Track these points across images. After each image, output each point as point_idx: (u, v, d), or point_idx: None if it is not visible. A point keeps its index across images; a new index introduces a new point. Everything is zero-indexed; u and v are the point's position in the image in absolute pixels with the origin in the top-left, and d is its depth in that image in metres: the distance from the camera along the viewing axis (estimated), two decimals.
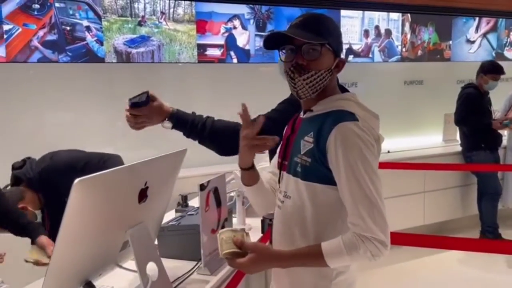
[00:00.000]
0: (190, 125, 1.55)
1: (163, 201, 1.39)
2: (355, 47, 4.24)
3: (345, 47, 4.22)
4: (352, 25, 4.24)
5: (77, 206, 0.95)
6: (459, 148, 4.09)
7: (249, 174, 1.31)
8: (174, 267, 1.53)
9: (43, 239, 1.69)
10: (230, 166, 2.49)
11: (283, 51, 1.18)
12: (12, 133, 3.15)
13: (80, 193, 0.94)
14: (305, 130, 1.18)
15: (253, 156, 1.27)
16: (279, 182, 1.28)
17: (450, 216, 4.14)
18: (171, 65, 3.52)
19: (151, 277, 1.19)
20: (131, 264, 1.21)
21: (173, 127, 1.54)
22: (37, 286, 1.03)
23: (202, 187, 1.49)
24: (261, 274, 2.22)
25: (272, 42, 1.19)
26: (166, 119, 1.52)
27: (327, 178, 1.12)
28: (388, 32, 4.40)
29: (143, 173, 1.19)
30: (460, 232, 4.03)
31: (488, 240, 3.69)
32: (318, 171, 1.13)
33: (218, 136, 1.57)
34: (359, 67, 4.19)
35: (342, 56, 1.22)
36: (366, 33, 4.30)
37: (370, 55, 4.35)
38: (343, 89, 1.25)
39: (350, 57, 4.19)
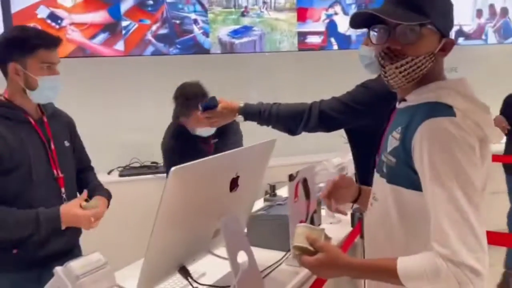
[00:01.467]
0: (259, 115, 1.71)
1: (253, 191, 1.40)
2: (465, 29, 3.89)
3: (455, 28, 3.91)
4: (463, 4, 3.86)
5: (173, 193, 0.98)
6: None
7: (362, 200, 1.27)
8: (263, 256, 1.53)
9: None
10: (319, 156, 2.44)
11: (375, 30, 1.00)
12: (132, 121, 3.45)
13: (176, 181, 0.97)
14: (396, 123, 1.02)
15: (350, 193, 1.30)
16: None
17: None
18: (272, 54, 3.61)
19: (241, 266, 1.20)
20: (222, 251, 1.23)
21: (245, 119, 1.72)
22: (136, 267, 1.09)
23: (291, 177, 1.48)
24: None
25: (360, 21, 1.02)
26: (238, 114, 1.71)
27: (415, 183, 0.94)
28: (505, 11, 3.98)
29: (234, 163, 1.20)
30: None
31: None
32: (404, 174, 0.97)
33: (285, 119, 1.72)
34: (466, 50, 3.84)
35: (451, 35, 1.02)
36: (479, 12, 3.92)
37: (483, 37, 3.96)
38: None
39: (460, 40, 3.87)
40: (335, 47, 3.66)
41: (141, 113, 3.53)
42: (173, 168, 0.96)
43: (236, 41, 3.49)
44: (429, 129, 0.91)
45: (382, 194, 1.04)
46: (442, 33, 1.00)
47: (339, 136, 3.31)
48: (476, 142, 0.91)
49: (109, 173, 3.24)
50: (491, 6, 3.94)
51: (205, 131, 2.33)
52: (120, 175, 3.18)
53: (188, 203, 1.05)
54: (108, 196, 1.75)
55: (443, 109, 0.93)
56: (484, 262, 0.85)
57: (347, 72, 3.66)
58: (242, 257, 1.25)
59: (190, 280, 1.19)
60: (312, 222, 1.62)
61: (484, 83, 3.82)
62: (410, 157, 0.94)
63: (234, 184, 1.21)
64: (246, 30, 3.53)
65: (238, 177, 1.21)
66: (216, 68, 3.40)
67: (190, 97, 2.27)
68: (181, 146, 2.35)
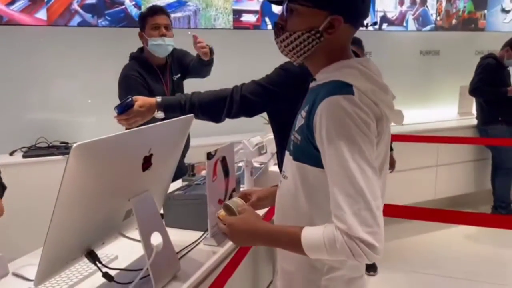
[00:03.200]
0: (179, 107, 1.65)
1: (168, 170, 1.34)
2: (389, 15, 4.09)
3: (379, 14, 4.08)
4: None
5: (75, 171, 0.89)
6: (474, 122, 3.98)
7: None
8: (180, 237, 1.49)
9: None
10: (241, 136, 2.43)
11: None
12: (50, 92, 3.20)
13: (79, 158, 0.88)
14: (306, 102, 1.04)
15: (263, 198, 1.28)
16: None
17: (462, 191, 4.08)
18: (207, 31, 3.53)
19: (155, 247, 1.15)
20: (135, 233, 1.17)
21: (166, 114, 1.64)
22: (36, 255, 0.99)
23: (209, 156, 1.44)
24: (269, 252, 2.19)
25: None
26: (156, 110, 1.63)
27: (318, 160, 0.96)
28: (424, 0, 4.23)
29: (146, 140, 1.13)
30: (472, 207, 3.98)
31: (501, 215, 3.63)
32: (308, 151, 0.99)
33: (208, 108, 1.67)
34: (374, 36, 4.05)
35: (369, 20, 1.03)
36: (401, 0, 4.13)
37: (404, 24, 4.19)
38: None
39: (384, 25, 4.06)
40: (269, 27, 3.66)
41: (50, 89, 3.26)
42: (75, 145, 0.87)
43: (170, 16, 3.41)
44: (327, 106, 0.93)
45: (290, 171, 1.06)
46: (332, 10, 0.97)
47: (260, 117, 3.34)
48: (373, 120, 0.94)
49: (11, 154, 2.95)
50: None
51: (158, 42, 2.36)
52: (24, 156, 2.90)
53: (93, 183, 0.96)
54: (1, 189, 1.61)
55: (343, 87, 0.95)
56: (377, 235, 0.88)
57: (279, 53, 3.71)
58: (156, 238, 1.20)
59: (98, 265, 1.11)
60: None
61: (400, 66, 4.12)
62: (312, 135, 0.96)
63: (147, 162, 1.14)
64: (180, 4, 3.44)
65: (151, 155, 1.14)
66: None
67: (147, 8, 2.47)
68: (139, 73, 2.35)
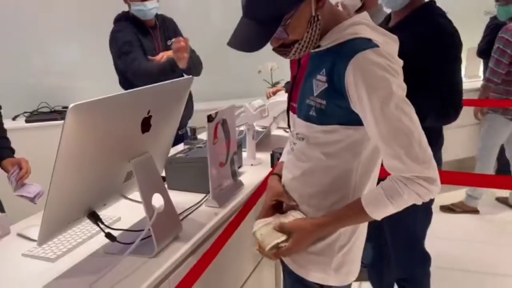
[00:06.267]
0: None
1: (168, 132, 1.33)
2: None
3: None
4: None
5: (73, 132, 0.88)
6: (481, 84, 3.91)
7: None
8: (182, 199, 1.50)
9: None
10: (244, 100, 2.41)
11: None
12: (41, 62, 3.09)
13: (76, 118, 0.87)
14: (316, 67, 1.03)
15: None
16: (288, 125, 1.17)
17: (468, 154, 4.06)
18: None
19: (156, 209, 1.15)
20: (137, 195, 1.17)
21: None
22: (39, 217, 1.00)
23: (210, 118, 1.43)
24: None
25: None
26: None
27: (349, 119, 0.98)
28: None
29: (145, 101, 1.11)
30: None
31: (505, 176, 3.62)
32: (337, 113, 0.99)
33: None
34: None
35: None
36: None
37: None
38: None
39: None
40: None
41: (51, 53, 3.22)
42: (71, 105, 0.86)
43: None
44: (359, 65, 0.92)
45: (312, 137, 1.05)
46: None
47: (263, 81, 3.29)
48: (400, 68, 0.97)
49: (14, 118, 2.96)
50: None
51: (140, 7, 2.30)
52: (27, 121, 2.91)
53: (91, 144, 0.95)
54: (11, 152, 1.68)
55: (365, 43, 0.95)
56: (434, 168, 0.93)
57: None
58: (158, 200, 1.21)
59: (101, 225, 1.13)
60: (232, 164, 1.61)
61: None
62: (344, 97, 0.96)
63: (146, 124, 1.13)
64: None
65: (150, 116, 1.13)
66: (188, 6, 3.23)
67: None
68: (130, 28, 2.31)
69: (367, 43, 0.94)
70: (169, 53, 2.25)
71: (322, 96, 1.00)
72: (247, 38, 0.95)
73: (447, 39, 1.59)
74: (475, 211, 3.44)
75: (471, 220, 3.36)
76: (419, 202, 0.96)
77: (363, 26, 0.99)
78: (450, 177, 1.54)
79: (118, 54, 2.29)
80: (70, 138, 0.89)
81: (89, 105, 0.90)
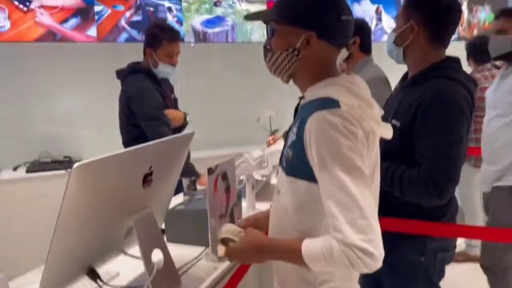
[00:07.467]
0: None
1: (169, 186, 1.34)
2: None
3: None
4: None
5: (76, 191, 0.90)
6: None
7: None
8: (181, 252, 1.49)
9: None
10: (241, 148, 2.44)
11: None
12: (53, 106, 3.22)
13: (80, 178, 0.90)
14: (297, 119, 1.05)
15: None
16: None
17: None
18: (243, 44, 3.76)
19: (156, 265, 1.15)
20: (137, 250, 1.17)
21: None
22: (37, 273, 0.99)
23: (210, 171, 1.44)
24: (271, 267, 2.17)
25: None
26: None
27: (310, 174, 0.98)
28: None
29: (147, 157, 1.14)
30: None
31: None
32: (300, 166, 1.00)
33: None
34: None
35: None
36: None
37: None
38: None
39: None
40: None
41: (52, 102, 3.29)
42: (75, 165, 0.88)
43: (209, 31, 3.65)
44: (315, 122, 0.95)
45: (283, 186, 1.08)
46: (310, 27, 1.02)
47: (262, 128, 3.35)
48: (360, 132, 0.95)
49: (14, 169, 2.97)
50: None
51: (167, 69, 2.35)
52: (28, 171, 2.92)
53: (94, 202, 0.97)
54: None
55: (329, 103, 0.97)
56: (374, 242, 0.89)
57: None
58: (157, 255, 1.20)
59: (99, 282, 1.12)
60: (232, 216, 1.61)
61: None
62: (304, 150, 0.98)
63: (147, 179, 1.15)
64: (219, 20, 3.67)
65: (152, 172, 1.15)
66: (189, 56, 3.38)
67: (164, 28, 2.33)
68: (150, 85, 2.32)
69: (329, 103, 0.96)
70: (174, 114, 2.38)
71: (291, 147, 1.03)
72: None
73: (442, 106, 1.36)
74: (477, 259, 3.39)
75: (475, 268, 3.29)
76: (351, 270, 0.92)
77: (340, 87, 1.01)
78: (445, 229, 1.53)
79: (146, 116, 2.25)
80: (73, 197, 0.90)
81: (93, 165, 0.92)
